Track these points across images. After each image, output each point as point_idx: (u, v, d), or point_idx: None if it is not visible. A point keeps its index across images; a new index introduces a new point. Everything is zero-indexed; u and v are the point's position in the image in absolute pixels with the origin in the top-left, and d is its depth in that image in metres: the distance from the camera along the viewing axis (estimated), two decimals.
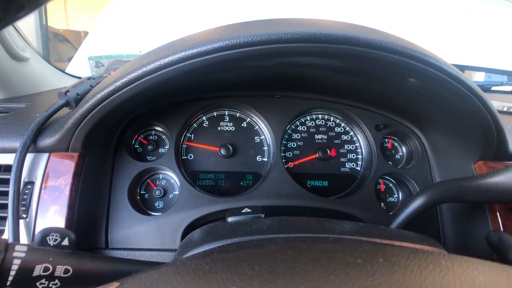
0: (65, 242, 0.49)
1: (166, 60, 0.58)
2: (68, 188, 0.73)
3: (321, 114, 1.03)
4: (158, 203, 0.92)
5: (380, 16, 1.97)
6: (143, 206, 0.91)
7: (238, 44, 0.55)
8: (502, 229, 0.75)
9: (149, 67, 0.59)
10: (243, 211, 0.63)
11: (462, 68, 1.69)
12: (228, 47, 0.56)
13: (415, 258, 0.33)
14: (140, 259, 0.80)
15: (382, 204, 0.98)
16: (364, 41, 0.56)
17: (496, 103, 1.21)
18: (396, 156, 1.03)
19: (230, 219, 0.61)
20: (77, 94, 0.80)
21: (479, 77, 1.81)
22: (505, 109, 1.09)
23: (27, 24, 1.52)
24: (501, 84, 1.61)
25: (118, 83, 0.62)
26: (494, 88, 1.58)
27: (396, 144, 1.04)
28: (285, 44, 0.55)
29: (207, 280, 0.28)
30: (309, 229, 0.54)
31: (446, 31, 1.94)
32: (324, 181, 0.99)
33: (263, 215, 0.62)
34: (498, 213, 0.76)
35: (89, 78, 0.88)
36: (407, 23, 1.92)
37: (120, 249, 0.81)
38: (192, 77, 0.75)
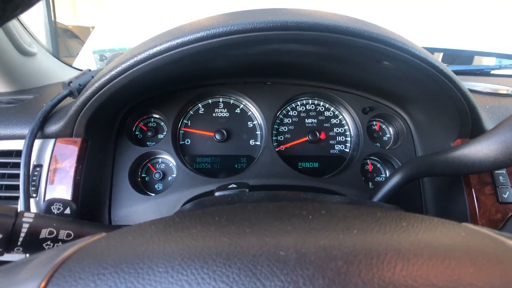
0: (67, 211, 0.56)
1: (154, 50, 0.64)
2: (73, 170, 0.80)
3: (310, 99, 1.08)
4: (158, 185, 0.98)
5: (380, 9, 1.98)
6: (144, 188, 0.97)
7: (217, 33, 0.61)
8: (475, 202, 0.79)
9: (139, 57, 0.66)
10: (230, 186, 0.69)
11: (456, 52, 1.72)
12: (208, 36, 0.61)
13: (352, 208, 0.39)
14: None
15: (371, 183, 1.02)
16: (332, 27, 0.61)
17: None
18: (384, 137, 1.07)
19: (217, 194, 0.67)
20: (80, 85, 0.87)
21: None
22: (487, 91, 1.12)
23: (36, 21, 1.55)
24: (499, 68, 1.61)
25: (112, 72, 0.69)
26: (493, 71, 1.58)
27: (383, 126, 1.08)
28: (260, 33, 0.61)
29: (175, 228, 0.35)
30: (286, 198, 0.60)
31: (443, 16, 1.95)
32: (314, 163, 1.04)
33: (247, 190, 0.67)
34: (473, 188, 0.81)
35: (90, 70, 0.95)
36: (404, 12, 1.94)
37: (122, 226, 0.88)
38: (183, 65, 0.80)
